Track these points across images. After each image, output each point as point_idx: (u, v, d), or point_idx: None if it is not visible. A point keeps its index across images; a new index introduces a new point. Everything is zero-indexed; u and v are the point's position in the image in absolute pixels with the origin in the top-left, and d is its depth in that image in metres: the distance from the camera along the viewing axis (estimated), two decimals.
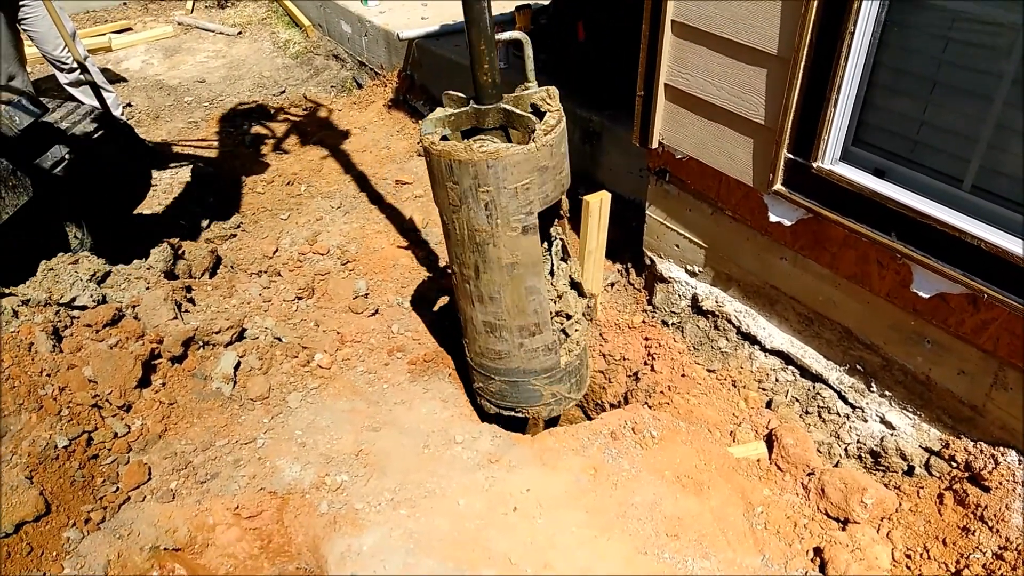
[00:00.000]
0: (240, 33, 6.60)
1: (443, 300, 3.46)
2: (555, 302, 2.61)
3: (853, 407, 2.43)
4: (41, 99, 3.32)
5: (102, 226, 3.37)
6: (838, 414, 2.45)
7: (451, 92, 2.40)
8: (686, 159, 2.80)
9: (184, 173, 4.61)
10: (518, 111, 2.25)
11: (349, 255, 3.82)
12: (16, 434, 2.45)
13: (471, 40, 2.15)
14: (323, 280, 3.64)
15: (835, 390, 2.48)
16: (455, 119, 2.33)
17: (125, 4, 6.88)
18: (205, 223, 4.13)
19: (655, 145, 2.91)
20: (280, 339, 3.10)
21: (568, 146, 2.35)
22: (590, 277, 3.23)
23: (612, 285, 3.33)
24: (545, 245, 2.63)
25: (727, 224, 2.75)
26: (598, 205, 3.06)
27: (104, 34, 6.40)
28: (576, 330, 2.69)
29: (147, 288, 3.18)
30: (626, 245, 3.41)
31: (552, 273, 2.65)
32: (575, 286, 2.72)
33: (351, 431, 2.63)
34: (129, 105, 5.58)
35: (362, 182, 4.57)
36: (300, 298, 3.45)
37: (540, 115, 2.30)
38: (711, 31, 2.45)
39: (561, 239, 2.66)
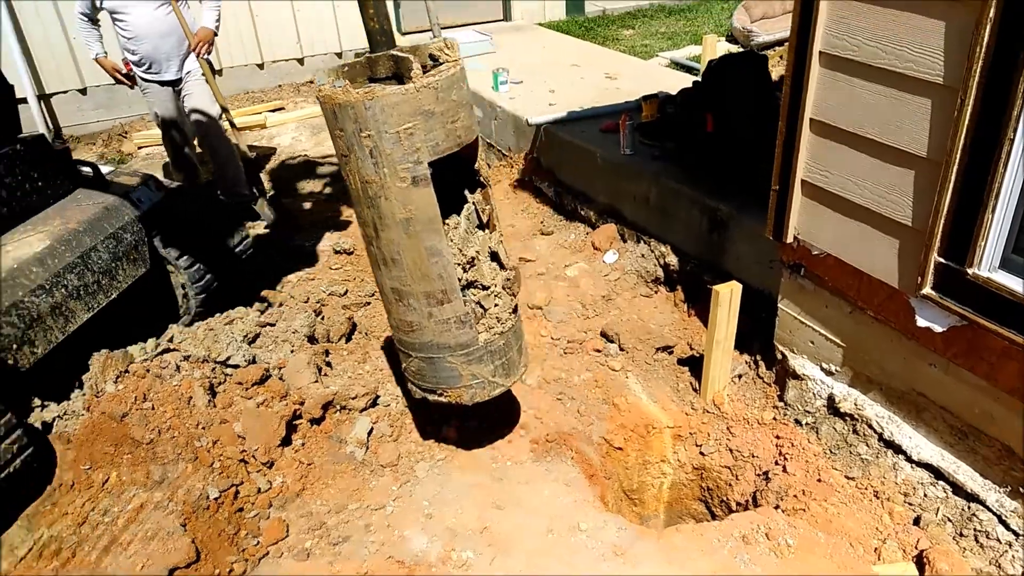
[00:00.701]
0: None
1: (562, 376, 3.50)
2: (465, 269, 2.45)
3: (1017, 535, 2.25)
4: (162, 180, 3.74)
5: (211, 294, 3.70)
6: (998, 540, 2.28)
7: (359, 52, 2.42)
8: (823, 255, 2.77)
9: (324, 243, 4.94)
10: (402, 54, 2.20)
11: None
12: (173, 482, 2.65)
13: None
14: None
15: (994, 513, 2.31)
16: (348, 69, 2.32)
17: (280, 86, 7.56)
18: (343, 290, 4.38)
19: (790, 240, 2.89)
20: (410, 408, 3.21)
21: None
22: (718, 367, 3.20)
23: (740, 377, 3.27)
24: (465, 212, 2.51)
25: (868, 324, 2.68)
26: (728, 295, 3.06)
27: (260, 112, 7.04)
28: (496, 305, 2.51)
29: (292, 351, 3.40)
30: (754, 336, 3.36)
31: (464, 240, 2.49)
32: (495, 258, 2.54)
33: (476, 506, 2.68)
34: (278, 177, 6.07)
35: None
36: None
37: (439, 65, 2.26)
38: (853, 131, 2.45)
39: (476, 206, 2.50)
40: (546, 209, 5.23)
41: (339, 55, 7.75)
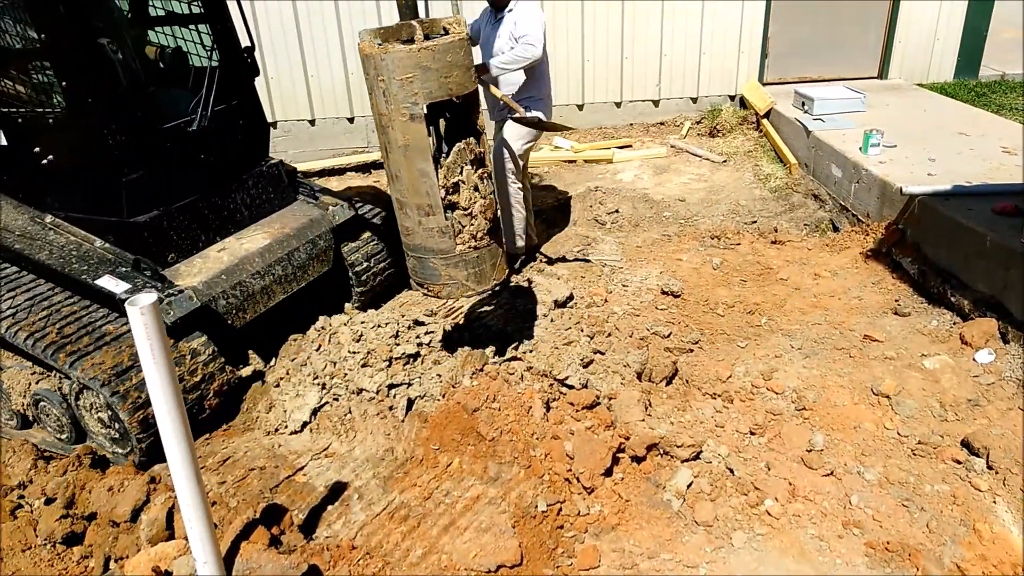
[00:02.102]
0: (725, 161, 7.02)
1: (910, 481, 3.08)
2: (448, 192, 2.96)
3: None
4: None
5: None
6: None
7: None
8: None
9: (652, 281, 5.00)
10: (413, 23, 2.85)
11: (805, 402, 3.66)
12: (506, 483, 2.84)
13: None
14: (775, 421, 3.54)
15: None
16: (383, 31, 2.93)
17: (631, 125, 7.88)
18: (667, 332, 4.38)
19: None
20: (732, 471, 3.08)
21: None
22: None
23: None
24: (456, 148, 3.00)
25: None
26: None
27: (609, 148, 7.39)
28: (473, 226, 3.05)
29: (621, 383, 3.48)
30: None
31: (450, 170, 2.98)
32: (476, 189, 3.05)
33: None
34: (616, 212, 6.29)
35: (826, 328, 4.39)
36: (753, 433, 3.41)
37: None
38: None
39: (473, 149, 3.03)
40: (903, 287, 4.69)
41: (694, 100, 7.85)
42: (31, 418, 3.55)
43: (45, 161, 3.40)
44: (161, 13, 4.06)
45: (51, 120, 3.34)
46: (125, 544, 2.69)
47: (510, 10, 4.58)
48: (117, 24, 3.78)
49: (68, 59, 3.21)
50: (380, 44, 2.87)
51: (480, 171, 3.09)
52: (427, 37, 2.86)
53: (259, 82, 6.95)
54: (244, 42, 4.03)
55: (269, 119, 7.20)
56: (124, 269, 3.41)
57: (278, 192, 4.27)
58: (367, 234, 4.50)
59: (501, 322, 4.09)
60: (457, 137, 3.03)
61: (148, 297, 2.03)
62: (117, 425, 3.19)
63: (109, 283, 3.32)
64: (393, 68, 2.76)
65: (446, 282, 3.17)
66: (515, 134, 4.82)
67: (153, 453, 3.18)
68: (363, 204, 4.71)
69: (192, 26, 3.95)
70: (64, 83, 3.23)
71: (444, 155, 3.01)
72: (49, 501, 2.93)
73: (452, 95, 2.89)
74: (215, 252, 3.81)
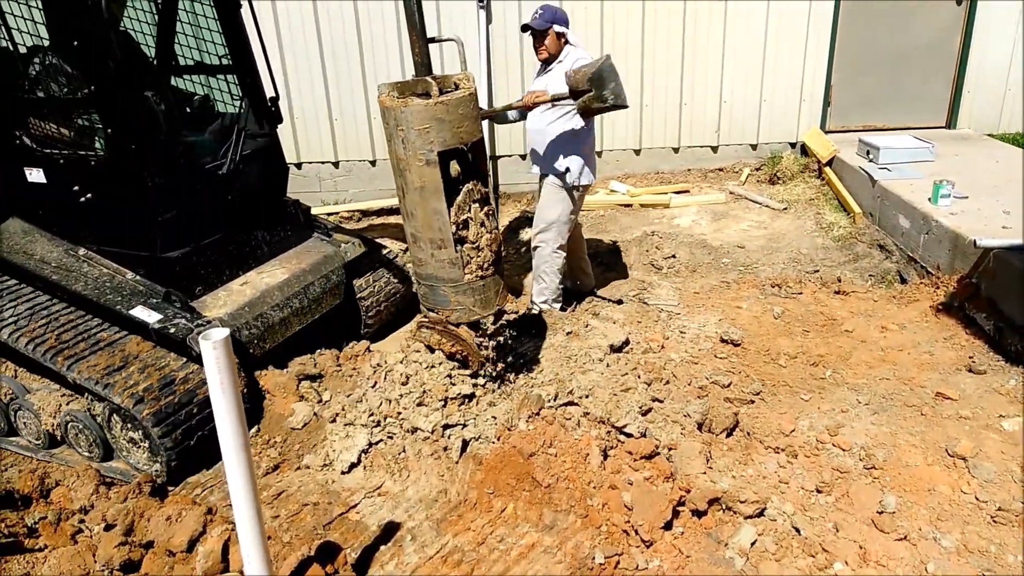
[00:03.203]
0: (785, 209, 6.91)
1: (990, 550, 2.89)
2: (458, 227, 3.23)
3: None
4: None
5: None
6: None
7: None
8: None
9: (711, 328, 4.90)
10: (428, 79, 3.10)
11: (875, 461, 3.50)
12: (562, 531, 2.77)
13: (409, 32, 3.14)
14: (842, 479, 3.39)
15: None
16: (401, 85, 3.16)
17: (689, 171, 7.84)
18: (726, 381, 4.26)
19: None
20: (798, 530, 2.94)
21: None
22: None
23: None
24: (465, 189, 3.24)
25: None
26: None
27: (666, 193, 7.35)
28: (480, 257, 3.32)
29: (681, 434, 3.38)
30: None
31: (460, 208, 3.22)
32: (483, 225, 3.32)
33: None
34: (673, 257, 6.22)
35: (895, 383, 4.21)
36: (819, 491, 3.26)
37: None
38: None
39: (480, 190, 3.30)
40: (978, 343, 4.49)
41: (754, 147, 7.79)
42: (59, 438, 3.70)
43: (83, 199, 3.59)
44: (191, 63, 4.39)
45: (92, 162, 3.54)
46: (181, 575, 2.70)
47: (560, 61, 4.57)
48: (159, 77, 4.07)
49: (115, 110, 3.41)
50: (399, 97, 3.11)
51: (486, 209, 3.36)
52: (441, 91, 3.11)
53: (324, 125, 7.24)
54: (269, 92, 4.31)
55: (332, 159, 7.44)
56: (155, 300, 3.61)
57: (295, 230, 4.54)
58: (377, 269, 4.72)
59: (557, 365, 4.05)
60: (466, 179, 3.29)
61: (220, 332, 2.07)
62: (141, 432, 3.30)
63: (142, 313, 3.53)
64: (412, 119, 3.02)
65: (455, 307, 3.44)
66: (550, 200, 4.77)
67: (179, 457, 3.35)
68: (383, 245, 4.97)
69: (222, 76, 4.25)
70: (109, 131, 3.44)
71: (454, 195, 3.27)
72: (109, 527, 2.97)
73: (463, 143, 3.16)
74: (238, 285, 4.03)
